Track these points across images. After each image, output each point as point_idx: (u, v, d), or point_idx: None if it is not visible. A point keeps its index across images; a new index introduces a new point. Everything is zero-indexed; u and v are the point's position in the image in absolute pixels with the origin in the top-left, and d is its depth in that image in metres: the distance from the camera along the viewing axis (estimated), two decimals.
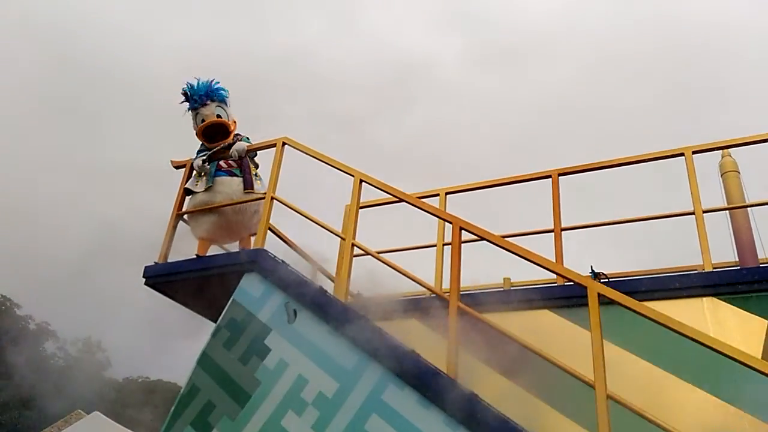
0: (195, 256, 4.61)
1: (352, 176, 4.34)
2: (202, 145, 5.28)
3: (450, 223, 3.74)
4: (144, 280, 4.70)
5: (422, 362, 3.30)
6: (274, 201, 4.55)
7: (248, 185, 4.99)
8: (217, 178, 4.99)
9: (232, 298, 4.22)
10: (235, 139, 5.20)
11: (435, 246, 5.05)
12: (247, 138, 5.25)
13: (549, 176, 4.89)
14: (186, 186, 5.09)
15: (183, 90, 5.25)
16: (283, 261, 4.15)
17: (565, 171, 4.87)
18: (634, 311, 2.92)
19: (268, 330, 3.95)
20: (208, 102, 5.18)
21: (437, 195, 5.35)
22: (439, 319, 4.13)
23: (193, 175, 5.16)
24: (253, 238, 5.20)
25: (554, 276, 4.76)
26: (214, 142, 5.13)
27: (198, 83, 5.21)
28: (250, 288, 4.21)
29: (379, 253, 4.04)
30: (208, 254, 4.90)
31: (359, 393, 3.41)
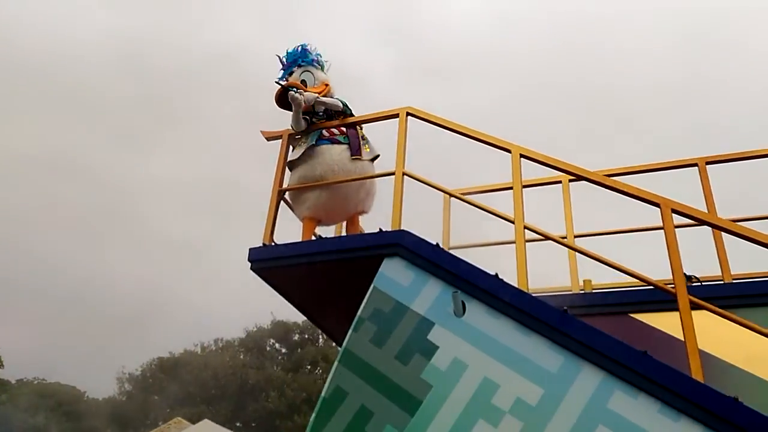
0: (317, 237, 3.97)
1: (509, 151, 3.80)
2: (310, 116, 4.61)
3: (657, 206, 3.25)
4: (249, 264, 4.01)
5: (661, 365, 2.79)
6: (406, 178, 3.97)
7: (355, 151, 4.38)
8: (318, 147, 4.37)
9: (372, 286, 3.60)
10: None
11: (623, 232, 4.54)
12: (343, 101, 4.63)
13: (695, 164, 4.49)
14: (289, 159, 4.44)
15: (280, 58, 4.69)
16: (437, 244, 3.57)
17: (713, 159, 4.47)
18: None
19: (430, 324, 3.35)
20: (295, 69, 4.64)
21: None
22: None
23: (294, 147, 4.52)
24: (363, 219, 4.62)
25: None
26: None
27: (288, 52, 4.66)
28: (394, 275, 3.60)
29: (562, 238, 3.51)
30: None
31: (575, 400, 2.87)
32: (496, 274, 3.34)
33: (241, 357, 35.76)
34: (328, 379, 3.41)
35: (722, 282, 4.04)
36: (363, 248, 3.74)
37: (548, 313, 3.08)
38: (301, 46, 4.64)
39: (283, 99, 4.47)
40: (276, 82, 4.45)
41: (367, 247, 3.72)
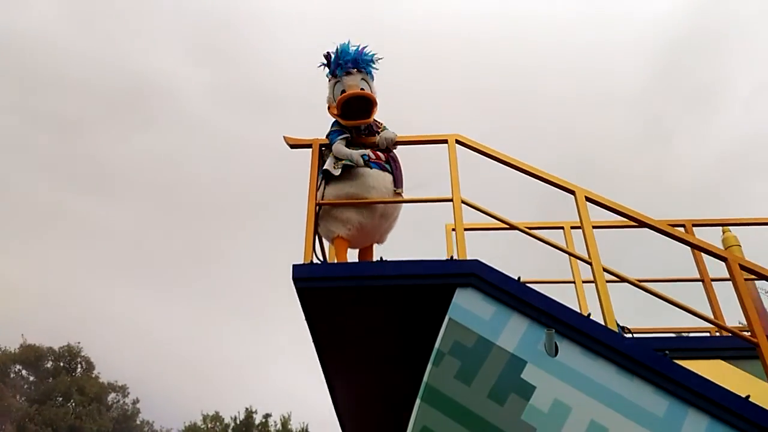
0: (379, 259, 3.60)
1: (573, 193, 3.85)
2: (335, 123, 4.26)
3: (724, 260, 3.50)
4: (294, 282, 3.50)
5: (763, 410, 2.94)
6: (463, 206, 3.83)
7: (399, 184, 4.15)
8: (366, 169, 4.04)
9: (448, 318, 3.34)
10: (375, 125, 4.31)
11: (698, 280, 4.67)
12: (386, 127, 4.38)
13: (683, 225, 4.94)
14: (325, 167, 4.03)
15: (327, 53, 4.24)
16: (519, 278, 3.45)
17: (699, 222, 4.97)
18: None
19: (522, 362, 3.19)
20: (353, 71, 4.18)
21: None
22: None
23: (329, 158, 4.12)
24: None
25: None
26: (350, 120, 4.17)
27: (345, 46, 4.22)
28: (471, 307, 3.39)
29: (641, 281, 3.60)
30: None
31: None
32: (589, 314, 3.31)
33: None
34: (412, 419, 3.05)
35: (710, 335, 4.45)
36: (437, 275, 3.47)
37: (651, 357, 3.11)
38: (362, 51, 4.21)
39: (347, 107, 4.09)
40: (286, 140, 4.08)
41: (442, 274, 3.47)
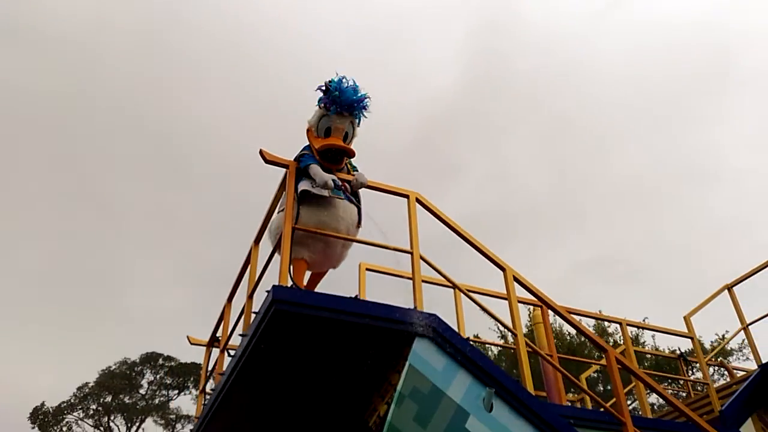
0: (355, 296, 3.77)
1: (503, 270, 4.51)
2: (308, 147, 4.40)
3: (605, 351, 4.44)
4: (270, 303, 3.50)
5: None
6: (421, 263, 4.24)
7: (360, 221, 4.44)
8: (337, 200, 4.27)
9: (408, 364, 3.68)
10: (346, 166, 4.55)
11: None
12: (356, 168, 4.62)
13: (619, 322, 5.98)
14: (303, 188, 4.12)
15: (328, 82, 4.35)
16: (470, 338, 3.94)
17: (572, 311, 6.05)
18: None
19: (466, 414, 3.66)
20: (346, 114, 4.38)
21: None
22: None
23: (306, 179, 4.22)
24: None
25: None
26: (326, 163, 4.36)
27: (347, 86, 4.39)
28: (427, 356, 3.77)
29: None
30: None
31: None
32: (519, 380, 3.93)
33: None
34: None
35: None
36: (401, 322, 3.78)
37: (560, 423, 3.82)
38: (363, 94, 4.38)
39: (328, 155, 4.27)
40: (263, 154, 4.11)
41: (408, 322, 3.79)
